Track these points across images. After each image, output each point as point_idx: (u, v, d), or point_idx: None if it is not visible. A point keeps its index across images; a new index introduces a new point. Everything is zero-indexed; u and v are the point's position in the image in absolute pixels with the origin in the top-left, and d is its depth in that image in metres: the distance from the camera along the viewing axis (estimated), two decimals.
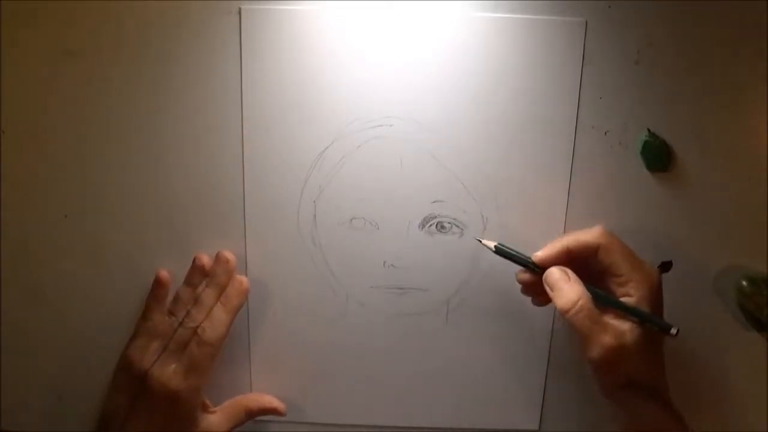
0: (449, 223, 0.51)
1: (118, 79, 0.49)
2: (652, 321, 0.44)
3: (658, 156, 0.49)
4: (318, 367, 0.53)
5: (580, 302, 0.44)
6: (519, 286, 0.50)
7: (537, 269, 0.47)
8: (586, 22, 0.48)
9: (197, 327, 0.49)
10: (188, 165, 0.50)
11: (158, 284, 0.50)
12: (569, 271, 0.46)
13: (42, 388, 0.54)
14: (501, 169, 0.50)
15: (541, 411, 0.54)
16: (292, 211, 0.51)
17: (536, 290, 0.48)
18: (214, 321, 0.49)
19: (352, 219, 0.51)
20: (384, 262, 0.51)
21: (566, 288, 0.45)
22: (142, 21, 0.48)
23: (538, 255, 0.47)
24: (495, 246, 0.49)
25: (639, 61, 0.48)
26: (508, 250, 0.48)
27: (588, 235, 0.46)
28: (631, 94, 0.49)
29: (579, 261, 0.47)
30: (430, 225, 0.51)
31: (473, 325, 0.52)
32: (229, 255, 0.50)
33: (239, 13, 0.48)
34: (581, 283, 0.45)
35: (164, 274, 0.51)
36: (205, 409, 0.51)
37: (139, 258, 0.51)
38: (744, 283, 0.50)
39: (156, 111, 0.49)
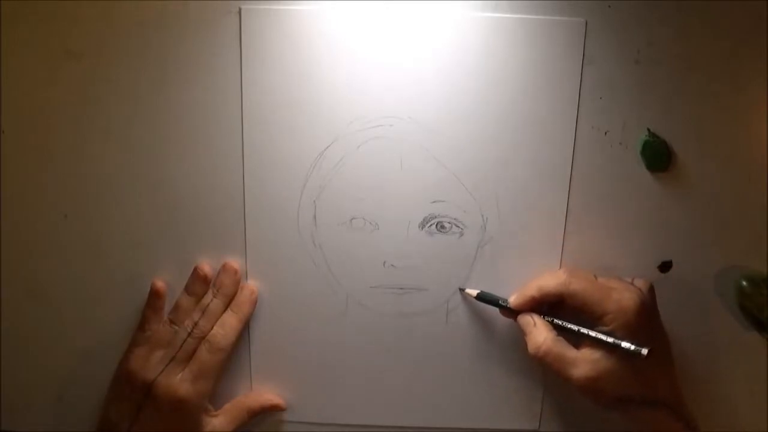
0: (449, 223, 0.51)
1: (118, 79, 0.49)
2: (619, 347, 0.45)
3: (658, 156, 0.49)
4: (318, 367, 0.53)
5: (542, 347, 0.47)
6: (519, 287, 0.50)
7: (514, 312, 0.50)
8: (586, 22, 0.48)
9: (205, 336, 0.49)
10: (188, 165, 0.50)
11: (155, 295, 0.51)
12: (535, 317, 0.49)
13: (42, 388, 0.54)
14: (501, 169, 0.50)
15: (541, 411, 0.54)
16: (292, 211, 0.51)
17: None
18: (226, 328, 0.50)
19: (352, 219, 0.51)
20: (384, 262, 0.51)
21: (532, 333, 0.48)
22: (142, 21, 0.48)
23: (512, 302, 0.49)
24: (477, 294, 0.51)
25: (639, 61, 0.48)
26: (488, 296, 0.51)
27: (551, 283, 0.48)
28: (631, 94, 0.49)
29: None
30: (430, 225, 0.51)
31: (473, 325, 0.52)
32: (235, 265, 0.51)
33: (239, 13, 0.48)
34: (547, 325, 0.48)
35: (161, 285, 0.51)
36: (207, 413, 0.51)
37: (139, 258, 0.51)
38: (744, 283, 0.50)
39: (156, 111, 0.49)
